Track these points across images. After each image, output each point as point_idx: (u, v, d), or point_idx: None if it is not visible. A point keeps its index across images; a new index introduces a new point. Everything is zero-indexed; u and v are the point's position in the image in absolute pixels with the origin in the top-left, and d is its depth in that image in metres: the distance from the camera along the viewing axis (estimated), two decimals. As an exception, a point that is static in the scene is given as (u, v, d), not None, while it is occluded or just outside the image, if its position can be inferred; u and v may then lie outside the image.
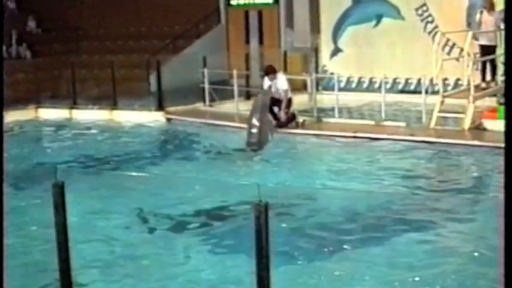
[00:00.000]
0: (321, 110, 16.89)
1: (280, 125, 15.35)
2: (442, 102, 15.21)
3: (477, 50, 16.66)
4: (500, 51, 16.11)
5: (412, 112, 16.76)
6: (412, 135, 14.38)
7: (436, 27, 19.04)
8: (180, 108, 18.55)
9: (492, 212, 8.59)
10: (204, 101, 18.83)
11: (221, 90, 18.79)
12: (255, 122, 14.33)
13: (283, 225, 8.93)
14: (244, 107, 16.89)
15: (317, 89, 17.86)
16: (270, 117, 14.97)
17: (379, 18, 20.23)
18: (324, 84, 20.05)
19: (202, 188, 10.86)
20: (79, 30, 25.27)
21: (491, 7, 16.50)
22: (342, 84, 19.58)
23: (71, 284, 6.05)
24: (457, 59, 16.93)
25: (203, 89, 18.74)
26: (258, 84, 17.86)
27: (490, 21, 16.41)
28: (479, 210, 9.70)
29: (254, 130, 14.25)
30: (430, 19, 19.38)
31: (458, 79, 17.42)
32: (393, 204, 10.16)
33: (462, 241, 8.74)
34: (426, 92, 15.95)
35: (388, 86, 18.40)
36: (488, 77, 16.53)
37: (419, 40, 19.19)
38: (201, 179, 11.54)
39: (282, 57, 20.47)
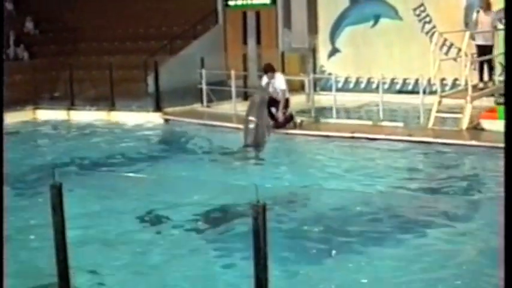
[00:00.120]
0: (319, 111, 16.91)
1: (278, 125, 15.35)
2: (439, 102, 15.22)
3: (475, 50, 16.67)
4: (497, 51, 16.12)
5: (410, 112, 16.77)
6: (410, 135, 14.38)
7: (433, 27, 19.06)
8: (177, 109, 18.55)
9: (491, 213, 8.63)
10: (201, 102, 18.83)
11: (219, 91, 18.80)
12: (252, 118, 14.35)
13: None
14: (242, 107, 16.87)
15: (315, 90, 17.89)
16: (268, 116, 14.99)
17: (376, 18, 20.25)
18: (322, 84, 20.08)
19: (200, 189, 10.84)
20: (77, 31, 25.27)
21: (487, 7, 16.50)
22: (340, 85, 19.62)
23: (69, 285, 6.04)
24: (455, 59, 16.94)
25: (201, 89, 18.74)
26: (255, 84, 17.86)
27: (486, 21, 16.41)
28: (478, 211, 9.72)
29: (251, 126, 14.25)
30: (427, 19, 19.41)
31: (456, 79, 17.45)
32: (392, 204, 10.16)
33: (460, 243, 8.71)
34: (424, 92, 15.95)
35: (386, 86, 18.40)
36: (485, 77, 16.53)
37: (417, 40, 19.21)
38: (198, 180, 11.53)
39: (279, 57, 20.48)
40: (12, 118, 17.44)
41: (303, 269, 7.81)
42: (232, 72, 18.39)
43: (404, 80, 19.59)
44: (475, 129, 14.44)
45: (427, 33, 19.22)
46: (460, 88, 16.26)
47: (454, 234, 8.81)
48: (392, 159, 13.21)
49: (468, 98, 14.80)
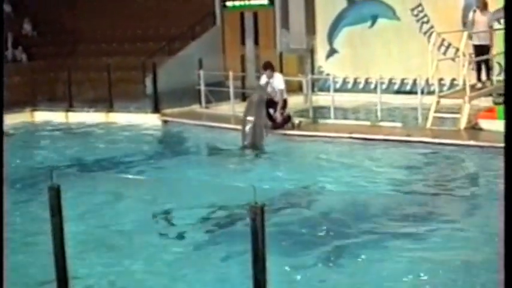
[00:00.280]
0: (317, 111, 16.90)
1: (276, 126, 15.35)
2: (438, 103, 15.23)
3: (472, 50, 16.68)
4: (495, 51, 16.11)
5: (408, 112, 16.75)
6: (408, 135, 14.38)
7: (431, 27, 19.05)
8: (176, 110, 18.54)
9: (490, 213, 8.63)
10: (200, 103, 18.82)
11: (217, 92, 18.79)
12: (249, 118, 14.35)
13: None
14: (240, 108, 16.85)
15: (313, 90, 17.88)
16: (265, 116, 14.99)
17: (374, 18, 20.25)
18: (320, 85, 20.07)
19: (198, 190, 10.84)
20: (75, 33, 25.24)
21: (484, 7, 16.48)
22: (338, 85, 19.61)
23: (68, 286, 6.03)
24: (453, 59, 16.94)
25: (199, 90, 18.73)
26: (253, 85, 17.86)
27: (482, 20, 16.39)
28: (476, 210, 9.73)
29: (248, 127, 14.25)
30: (425, 19, 19.39)
31: (454, 79, 17.46)
32: (390, 205, 10.16)
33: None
34: (422, 92, 15.96)
35: (384, 86, 18.42)
36: (483, 76, 16.53)
37: (414, 40, 19.20)
38: (197, 182, 11.52)
39: (277, 58, 20.46)
40: (10, 120, 17.41)
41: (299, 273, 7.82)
42: (231, 73, 18.39)
43: (403, 80, 19.58)
44: (473, 129, 14.45)
45: (425, 33, 19.20)
46: (458, 88, 16.28)
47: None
48: (391, 160, 13.22)
49: (466, 98, 14.80)
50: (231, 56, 22.51)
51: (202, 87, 18.66)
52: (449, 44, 18.40)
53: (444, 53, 18.28)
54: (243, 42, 23.17)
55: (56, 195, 5.86)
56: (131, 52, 23.38)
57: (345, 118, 17.09)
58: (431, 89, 16.14)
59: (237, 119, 16.13)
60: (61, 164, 13.53)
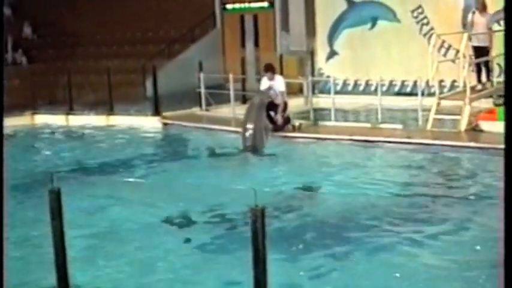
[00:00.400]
0: (318, 113, 16.90)
1: (277, 128, 15.34)
2: (438, 104, 15.22)
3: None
4: (494, 52, 16.11)
5: (409, 114, 16.75)
6: (408, 137, 14.38)
7: (431, 29, 19.05)
8: (176, 113, 18.53)
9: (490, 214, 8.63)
10: (200, 106, 18.82)
11: (217, 95, 18.79)
12: (250, 123, 14.34)
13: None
14: (240, 111, 16.86)
15: (313, 92, 17.90)
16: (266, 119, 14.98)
17: (374, 20, 20.25)
18: (320, 87, 20.08)
19: (198, 193, 10.84)
20: (75, 36, 25.24)
21: (483, 8, 16.49)
22: (338, 87, 19.62)
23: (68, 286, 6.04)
24: (453, 61, 16.95)
25: (199, 93, 18.73)
26: (254, 88, 17.86)
27: (481, 22, 16.40)
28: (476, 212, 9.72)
29: (249, 132, 14.25)
30: (425, 21, 19.39)
31: (454, 81, 17.46)
32: (390, 206, 10.16)
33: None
34: (422, 94, 15.96)
35: (384, 88, 18.41)
36: (483, 78, 16.53)
37: (415, 42, 19.19)
38: (197, 185, 11.51)
39: (278, 60, 20.46)
40: (10, 123, 17.42)
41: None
42: (231, 76, 18.39)
43: (403, 82, 19.58)
44: (474, 130, 14.45)
45: (425, 35, 19.20)
46: (458, 90, 16.27)
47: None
48: (391, 162, 13.21)
49: (466, 100, 14.80)
50: (231, 58, 22.52)
51: (203, 90, 18.66)
52: (450, 46, 18.41)
53: (444, 55, 18.28)
54: (243, 45, 23.18)
55: (56, 198, 5.86)
56: (131, 55, 23.40)
57: (346, 120, 17.08)
58: (432, 90, 16.14)
59: (237, 122, 16.12)
60: (61, 168, 13.51)
